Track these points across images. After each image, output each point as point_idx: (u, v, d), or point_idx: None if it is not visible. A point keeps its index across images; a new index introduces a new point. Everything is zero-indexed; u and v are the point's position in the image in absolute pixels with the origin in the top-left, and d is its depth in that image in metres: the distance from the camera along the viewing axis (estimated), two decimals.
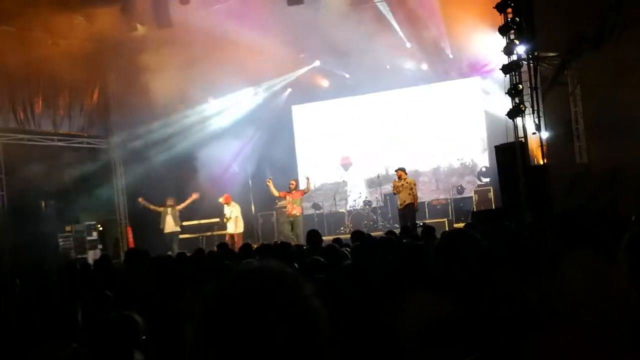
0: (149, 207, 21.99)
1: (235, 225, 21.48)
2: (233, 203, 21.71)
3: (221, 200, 21.69)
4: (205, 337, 1.76)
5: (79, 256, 20.99)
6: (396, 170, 20.72)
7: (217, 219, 22.64)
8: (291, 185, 20.77)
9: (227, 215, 21.51)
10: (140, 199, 22.01)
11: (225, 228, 21.94)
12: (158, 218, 21.86)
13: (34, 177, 19.89)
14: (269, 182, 20.82)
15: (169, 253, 18.33)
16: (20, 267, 14.10)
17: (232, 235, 21.27)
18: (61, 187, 20.79)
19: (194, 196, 21.96)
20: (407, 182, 20.17)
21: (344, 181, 25.72)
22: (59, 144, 22.23)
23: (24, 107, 21.09)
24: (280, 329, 1.72)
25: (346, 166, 26.37)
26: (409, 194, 19.99)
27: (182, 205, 21.87)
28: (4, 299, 8.63)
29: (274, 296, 1.76)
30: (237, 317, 1.73)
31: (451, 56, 23.96)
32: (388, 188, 22.94)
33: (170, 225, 21.65)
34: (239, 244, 19.07)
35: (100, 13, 19.27)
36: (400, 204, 20.25)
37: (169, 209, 21.68)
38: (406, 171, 20.67)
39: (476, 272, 4.22)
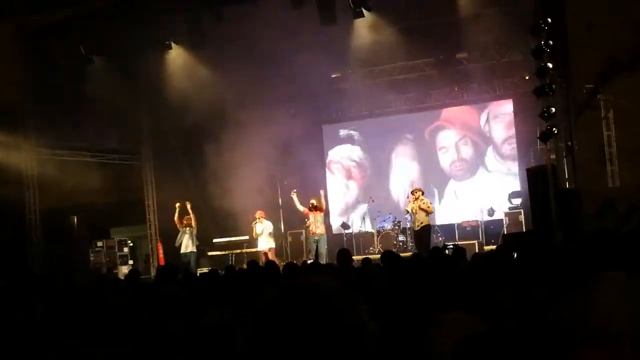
0: (176, 213, 21.75)
1: (267, 241, 21.44)
2: (264, 220, 21.72)
3: (256, 215, 21.65)
4: (258, 347, 1.77)
5: (110, 271, 21.13)
6: (413, 191, 20.70)
7: (247, 237, 22.64)
8: (313, 203, 20.71)
9: (258, 232, 21.45)
10: (178, 204, 21.86)
11: (254, 245, 21.88)
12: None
13: (67, 192, 20.09)
14: (293, 194, 20.86)
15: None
16: (51, 281, 14.22)
17: (265, 252, 21.20)
18: (93, 202, 20.95)
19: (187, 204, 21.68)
20: (423, 203, 20.13)
21: (372, 201, 25.60)
22: (92, 160, 22.45)
23: (58, 122, 21.33)
24: (330, 341, 1.73)
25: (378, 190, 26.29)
26: (425, 214, 19.99)
27: (192, 218, 21.64)
28: (33, 312, 8.69)
29: (324, 309, 1.76)
30: (289, 328, 1.74)
31: (483, 79, 23.94)
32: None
33: (187, 245, 21.46)
34: (272, 259, 19.02)
35: (136, 30, 19.45)
36: (417, 225, 20.19)
37: (187, 229, 21.47)
38: (423, 192, 20.67)
39: (510, 292, 4.23)
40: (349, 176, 26.83)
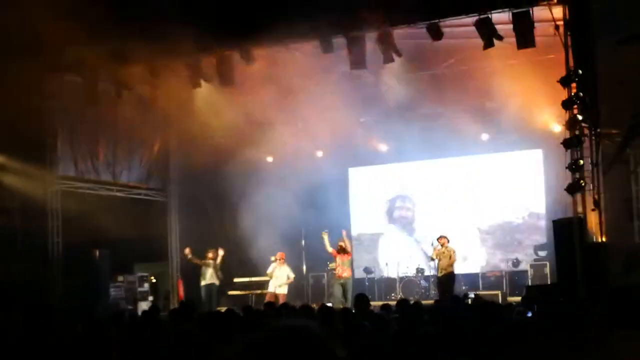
0: (194, 261, 21.98)
1: (278, 285, 21.34)
2: (284, 263, 21.64)
3: (276, 257, 21.61)
4: None
5: (129, 307, 21.11)
6: (438, 238, 20.65)
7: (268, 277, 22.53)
8: (341, 245, 20.73)
9: (270, 272, 21.39)
10: (187, 251, 22.01)
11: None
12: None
13: (90, 225, 20.12)
14: (324, 234, 20.88)
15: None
16: (70, 314, 14.20)
17: (276, 295, 21.11)
18: (116, 236, 20.96)
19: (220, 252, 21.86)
20: (447, 250, 20.15)
21: (396, 246, 25.53)
22: (117, 194, 22.53)
23: (84, 156, 21.46)
24: None
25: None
26: (449, 261, 19.96)
27: (219, 258, 21.71)
28: (51, 344, 8.66)
29: (302, 352, 1.75)
30: None
31: (512, 128, 23.85)
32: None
33: (209, 277, 21.51)
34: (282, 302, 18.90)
35: (165, 66, 19.58)
36: (440, 272, 20.20)
37: (211, 262, 21.61)
38: (449, 239, 20.60)
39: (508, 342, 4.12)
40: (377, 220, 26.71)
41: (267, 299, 20.62)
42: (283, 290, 21.39)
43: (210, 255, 21.66)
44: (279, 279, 21.37)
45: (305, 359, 1.77)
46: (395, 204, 26.50)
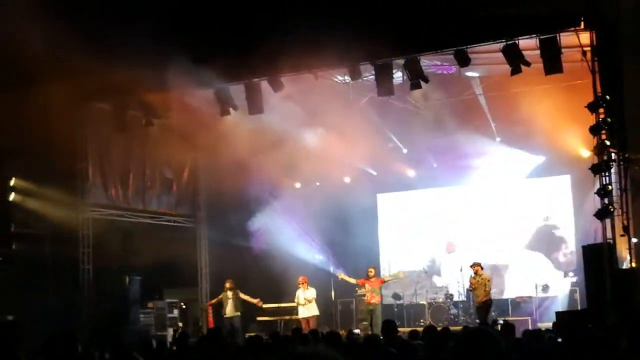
0: (212, 302, 22.31)
1: (308, 308, 21.40)
2: (308, 286, 21.69)
3: (299, 282, 21.72)
4: None
5: (159, 333, 21.19)
6: (471, 266, 20.64)
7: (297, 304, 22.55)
8: (370, 273, 20.90)
9: (300, 301, 21.49)
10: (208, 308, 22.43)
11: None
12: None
13: (120, 252, 20.29)
14: (340, 276, 21.15)
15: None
16: (100, 339, 14.29)
17: (307, 320, 21.15)
18: (147, 263, 21.09)
19: (258, 303, 22.00)
20: (482, 278, 20.15)
21: (425, 272, 25.53)
22: (148, 221, 22.69)
23: (115, 183, 21.67)
24: None
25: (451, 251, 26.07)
26: (484, 290, 19.94)
27: (244, 296, 21.81)
28: None
29: None
30: None
31: (541, 154, 23.85)
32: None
33: (230, 309, 21.55)
34: (314, 327, 18.92)
35: (194, 94, 19.75)
36: (478, 301, 20.19)
37: (229, 293, 21.59)
38: (482, 266, 20.60)
39: None
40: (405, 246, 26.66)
41: (302, 324, 20.72)
42: (313, 312, 21.40)
43: (227, 285, 21.67)
44: (307, 303, 21.44)
45: None
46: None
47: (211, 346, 9.31)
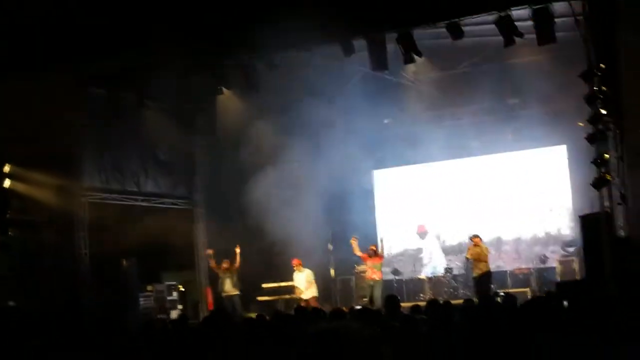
0: (210, 260, 22.03)
1: (305, 289, 21.43)
2: (302, 268, 21.69)
3: (293, 264, 21.76)
4: None
5: (160, 316, 21.21)
6: (471, 238, 20.70)
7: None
8: (371, 250, 20.90)
9: (298, 284, 21.54)
10: (209, 251, 22.17)
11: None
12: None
13: (118, 236, 20.24)
14: (353, 240, 21.02)
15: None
16: (101, 324, 14.28)
17: (306, 300, 21.15)
18: (144, 246, 21.05)
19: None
20: (481, 249, 20.21)
21: (420, 248, 25.61)
22: (143, 204, 22.63)
23: (109, 167, 21.59)
24: None
25: (422, 234, 26.09)
26: (485, 261, 20.02)
27: (236, 264, 21.80)
28: (85, 354, 8.75)
29: (353, 353, 1.79)
30: None
31: (536, 125, 23.80)
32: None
33: (229, 288, 21.55)
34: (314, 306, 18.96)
35: (188, 75, 19.64)
36: (476, 272, 20.24)
37: (227, 273, 21.59)
38: (481, 238, 20.64)
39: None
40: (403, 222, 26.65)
41: (303, 304, 20.74)
42: (313, 293, 21.45)
43: (225, 265, 21.60)
44: (304, 285, 21.47)
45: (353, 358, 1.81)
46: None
47: (216, 327, 9.28)
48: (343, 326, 1.90)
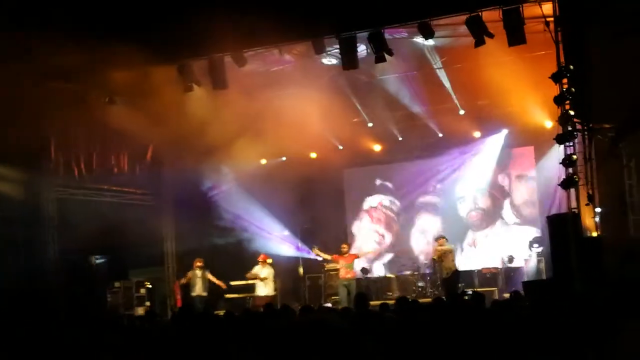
0: (181, 281, 22.20)
1: (265, 287, 21.40)
2: (267, 265, 21.67)
3: (259, 259, 21.73)
4: None
5: (127, 312, 21.13)
6: (437, 239, 20.83)
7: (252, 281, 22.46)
8: (343, 249, 20.97)
9: (260, 275, 21.45)
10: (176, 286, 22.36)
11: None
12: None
13: (86, 231, 20.11)
14: (315, 251, 21.13)
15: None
16: (68, 319, 14.21)
17: (260, 297, 21.11)
18: (112, 243, 20.95)
19: (222, 285, 21.95)
20: (446, 249, 20.34)
21: (392, 245, 25.70)
22: (112, 200, 22.49)
23: (78, 162, 21.43)
24: None
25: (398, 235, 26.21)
26: (452, 260, 20.15)
27: (211, 277, 21.79)
28: (53, 349, 8.70)
29: (331, 345, 1.79)
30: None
31: (504, 126, 23.95)
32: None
33: (199, 288, 21.54)
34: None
35: (157, 71, 19.55)
36: (445, 273, 20.32)
37: (199, 271, 21.57)
38: (447, 238, 20.80)
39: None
40: (376, 223, 26.72)
41: (257, 302, 20.72)
42: (269, 292, 21.42)
43: (198, 264, 21.60)
44: (265, 281, 21.41)
45: (331, 349, 1.82)
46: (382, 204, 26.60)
47: (185, 323, 9.27)
48: (325, 318, 1.91)
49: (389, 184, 26.41)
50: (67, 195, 21.11)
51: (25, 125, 18.30)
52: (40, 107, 19.77)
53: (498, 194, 25.02)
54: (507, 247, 23.90)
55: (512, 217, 24.82)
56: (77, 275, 20.39)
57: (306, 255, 24.90)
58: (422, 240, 25.24)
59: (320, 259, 22.33)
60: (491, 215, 25.04)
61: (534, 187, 24.39)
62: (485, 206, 25.15)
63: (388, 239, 26.30)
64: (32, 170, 19.86)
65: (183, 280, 22.10)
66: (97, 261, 21.08)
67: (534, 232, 23.87)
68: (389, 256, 25.87)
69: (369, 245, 25.58)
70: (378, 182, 26.59)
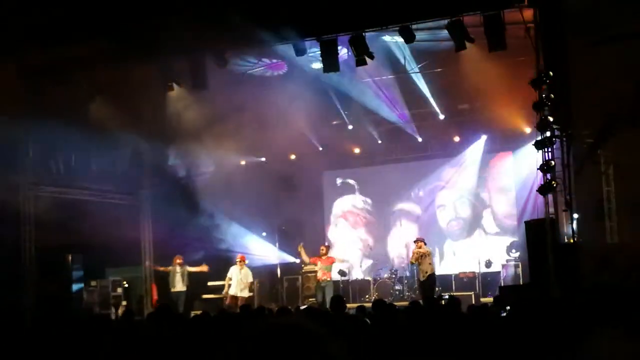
0: (158, 268, 22.14)
1: (242, 287, 21.34)
2: (244, 266, 21.63)
3: (237, 259, 21.68)
4: None
5: (103, 311, 21.03)
6: (415, 241, 20.81)
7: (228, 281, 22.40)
8: (322, 251, 20.96)
9: (236, 276, 21.40)
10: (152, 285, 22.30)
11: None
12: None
13: (63, 230, 19.99)
14: (300, 248, 21.05)
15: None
16: (43, 318, 14.13)
17: (235, 297, 21.08)
18: (89, 242, 20.84)
19: (204, 268, 21.94)
20: (424, 252, 20.29)
21: (370, 249, 25.74)
22: (90, 198, 22.36)
23: (57, 160, 21.31)
24: None
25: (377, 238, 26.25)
26: (429, 263, 20.13)
27: (191, 268, 21.78)
28: (24, 348, 8.63)
29: (301, 349, 1.77)
30: None
31: (483, 131, 24.03)
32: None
33: (178, 284, 21.56)
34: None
35: (138, 70, 19.49)
36: (423, 275, 20.30)
37: (178, 267, 21.63)
38: (425, 242, 20.77)
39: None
40: (354, 226, 26.77)
41: (228, 302, 20.71)
42: (244, 294, 21.37)
43: (177, 260, 21.63)
44: (241, 282, 21.34)
45: (303, 354, 1.79)
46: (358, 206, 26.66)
47: (161, 322, 9.23)
48: (295, 322, 1.88)
49: (368, 187, 26.45)
50: (46, 193, 20.96)
51: (3, 122, 18.18)
52: (19, 104, 19.67)
53: (478, 202, 25.10)
54: (485, 252, 23.95)
55: (492, 227, 24.91)
56: (53, 273, 20.24)
57: (284, 256, 24.91)
58: (399, 244, 25.24)
59: (299, 260, 22.26)
60: (470, 218, 25.12)
61: (514, 195, 24.48)
62: (466, 215, 25.24)
63: (367, 243, 26.32)
64: (9, 167, 19.70)
65: (161, 268, 22.06)
66: (73, 260, 20.93)
67: (513, 236, 23.95)
68: (367, 259, 25.91)
69: (347, 250, 25.57)
70: (355, 185, 26.61)
